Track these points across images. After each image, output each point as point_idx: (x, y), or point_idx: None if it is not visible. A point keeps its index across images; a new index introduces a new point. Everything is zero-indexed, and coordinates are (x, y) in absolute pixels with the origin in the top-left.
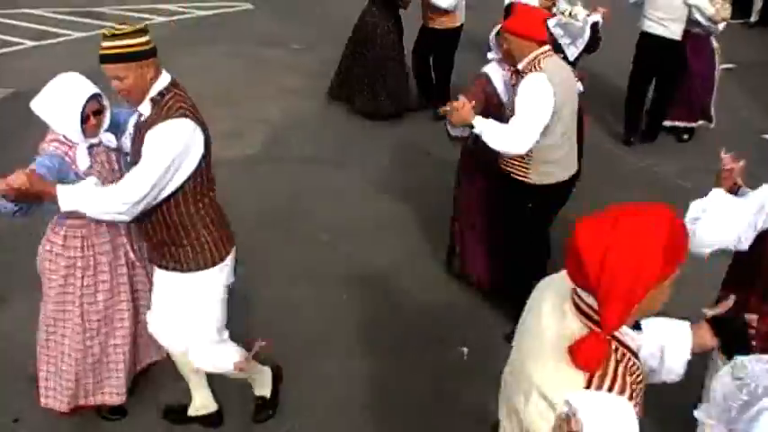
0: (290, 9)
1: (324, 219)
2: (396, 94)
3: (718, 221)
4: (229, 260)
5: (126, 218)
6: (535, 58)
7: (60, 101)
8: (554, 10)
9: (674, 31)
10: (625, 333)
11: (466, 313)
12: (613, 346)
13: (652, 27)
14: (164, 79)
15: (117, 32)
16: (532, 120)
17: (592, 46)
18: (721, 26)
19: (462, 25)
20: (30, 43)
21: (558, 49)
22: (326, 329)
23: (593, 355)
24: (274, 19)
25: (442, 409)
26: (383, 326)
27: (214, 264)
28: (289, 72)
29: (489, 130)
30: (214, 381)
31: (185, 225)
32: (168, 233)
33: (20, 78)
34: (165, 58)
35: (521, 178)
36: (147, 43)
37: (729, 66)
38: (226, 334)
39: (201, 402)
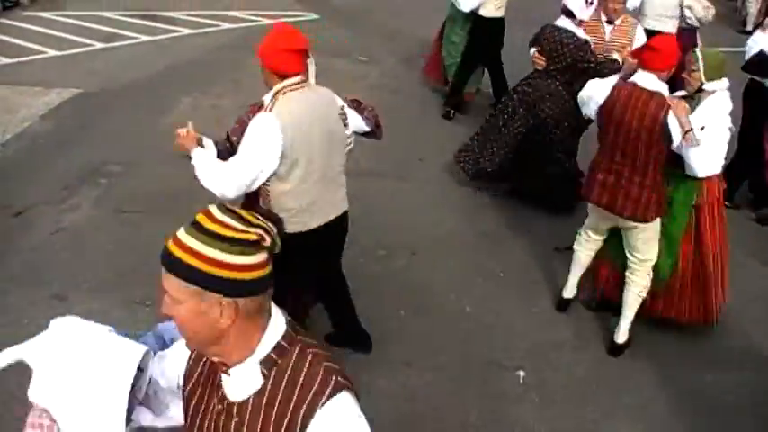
0: (355, 21)
1: (382, 233)
2: None
3: None
4: None
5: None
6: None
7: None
8: None
9: (670, 27)
10: None
11: (524, 336)
12: None
13: (650, 24)
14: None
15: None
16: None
17: None
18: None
19: None
20: (98, 45)
21: None
22: (380, 344)
23: None
24: (340, 30)
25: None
26: (438, 344)
27: None
28: (352, 83)
29: (202, 165)
30: None
31: None
32: None
33: (87, 79)
34: (231, 65)
35: None
36: (245, 268)
37: None
38: None
39: None
